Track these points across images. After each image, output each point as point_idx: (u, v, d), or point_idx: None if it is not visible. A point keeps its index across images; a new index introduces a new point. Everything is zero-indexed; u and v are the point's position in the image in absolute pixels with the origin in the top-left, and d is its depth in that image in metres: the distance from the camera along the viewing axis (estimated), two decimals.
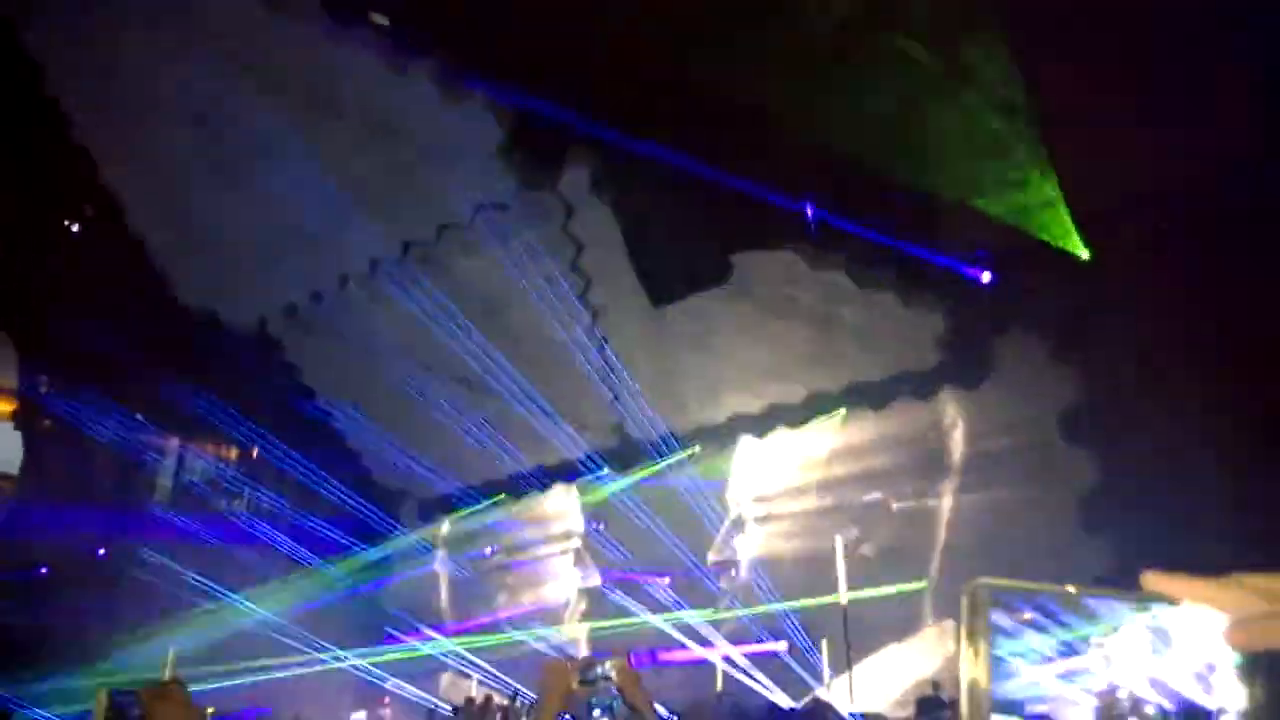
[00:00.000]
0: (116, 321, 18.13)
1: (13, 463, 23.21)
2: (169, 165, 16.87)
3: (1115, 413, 14.35)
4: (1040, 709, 1.25)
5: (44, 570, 21.27)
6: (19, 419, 22.44)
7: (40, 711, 17.80)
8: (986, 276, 14.23)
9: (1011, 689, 1.13)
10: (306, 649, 18.17)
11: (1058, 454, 14.83)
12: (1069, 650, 1.15)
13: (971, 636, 1.09)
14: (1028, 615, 1.12)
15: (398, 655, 18.76)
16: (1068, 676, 1.17)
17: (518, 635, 18.43)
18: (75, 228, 20.06)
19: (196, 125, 16.10)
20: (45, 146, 17.63)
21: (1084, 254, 14.34)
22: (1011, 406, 14.86)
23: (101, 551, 20.65)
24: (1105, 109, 12.92)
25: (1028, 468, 14.95)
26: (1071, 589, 1.11)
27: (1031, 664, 1.14)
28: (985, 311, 14.46)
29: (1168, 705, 1.13)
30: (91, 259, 18.91)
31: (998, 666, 1.08)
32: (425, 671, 19.18)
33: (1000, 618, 1.10)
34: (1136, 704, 1.15)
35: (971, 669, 1.08)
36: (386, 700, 18.77)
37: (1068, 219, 13.47)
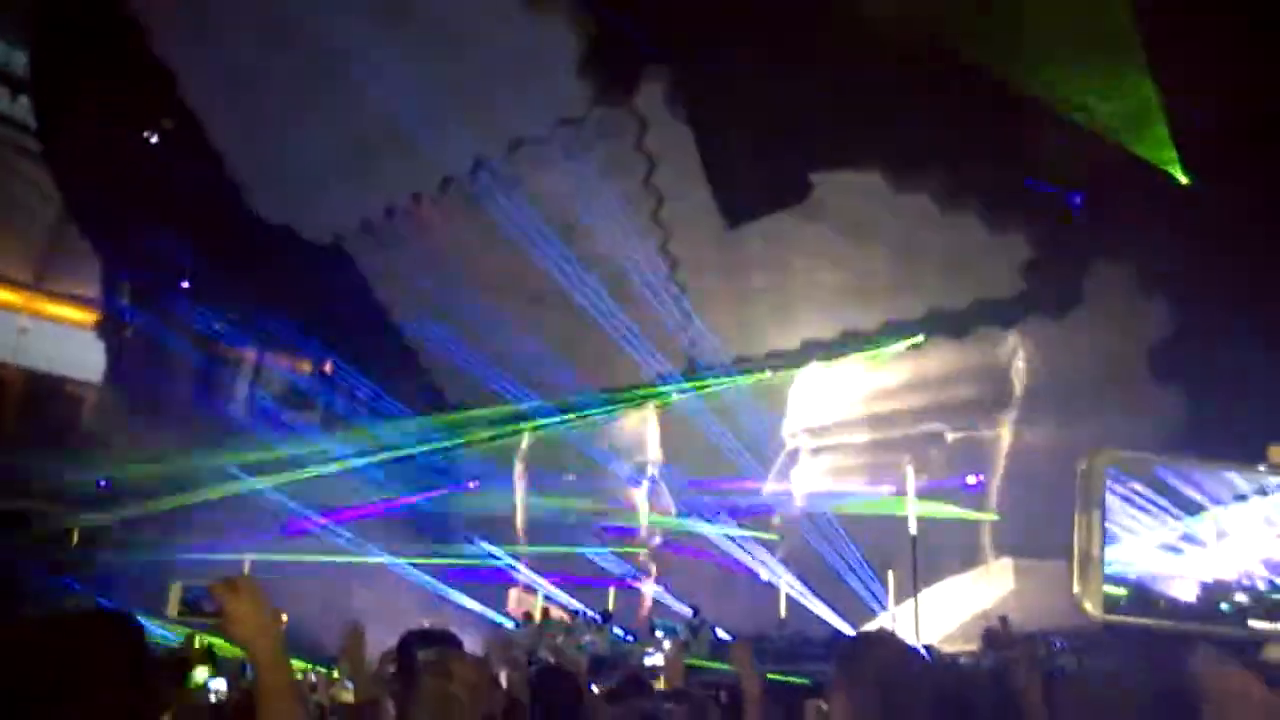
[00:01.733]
0: (195, 234, 18.47)
1: (96, 371, 24.06)
2: (244, 78, 16.90)
3: (1206, 348, 13.76)
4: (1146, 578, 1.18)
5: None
6: (101, 328, 23.15)
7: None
8: (1077, 201, 13.59)
9: (1119, 558, 1.11)
10: (373, 554, 18.66)
11: (1143, 389, 14.33)
12: (1180, 522, 1.09)
13: (1085, 506, 1.12)
14: (1139, 486, 1.13)
15: (466, 561, 19.13)
16: (1175, 549, 1.13)
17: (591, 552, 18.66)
18: (154, 139, 20.30)
19: (272, 38, 16.06)
20: (124, 60, 17.81)
21: (1182, 178, 13.61)
22: (1096, 338, 14.35)
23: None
24: (1212, 26, 12.15)
25: (1109, 402, 14.49)
26: (1193, 459, 1.12)
27: (1141, 535, 1.12)
28: (1074, 239, 13.86)
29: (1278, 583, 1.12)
30: (170, 171, 19.16)
31: (1107, 536, 1.09)
32: (492, 586, 19.58)
33: (1115, 487, 1.12)
34: (1246, 581, 1.12)
35: (1083, 538, 1.11)
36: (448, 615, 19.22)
37: (1167, 139, 12.73)
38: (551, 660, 16.26)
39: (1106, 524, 1.12)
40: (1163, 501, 1.13)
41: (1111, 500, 1.13)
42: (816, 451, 17.31)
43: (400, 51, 15.31)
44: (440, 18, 15.15)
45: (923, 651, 13.94)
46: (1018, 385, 15.25)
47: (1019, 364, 15.10)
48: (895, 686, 2.11)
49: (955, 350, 15.16)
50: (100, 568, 20.42)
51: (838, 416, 16.77)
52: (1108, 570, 1.11)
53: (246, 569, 19.25)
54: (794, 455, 17.58)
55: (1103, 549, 1.11)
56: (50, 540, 21.70)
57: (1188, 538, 1.14)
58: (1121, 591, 1.14)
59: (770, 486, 17.87)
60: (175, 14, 16.80)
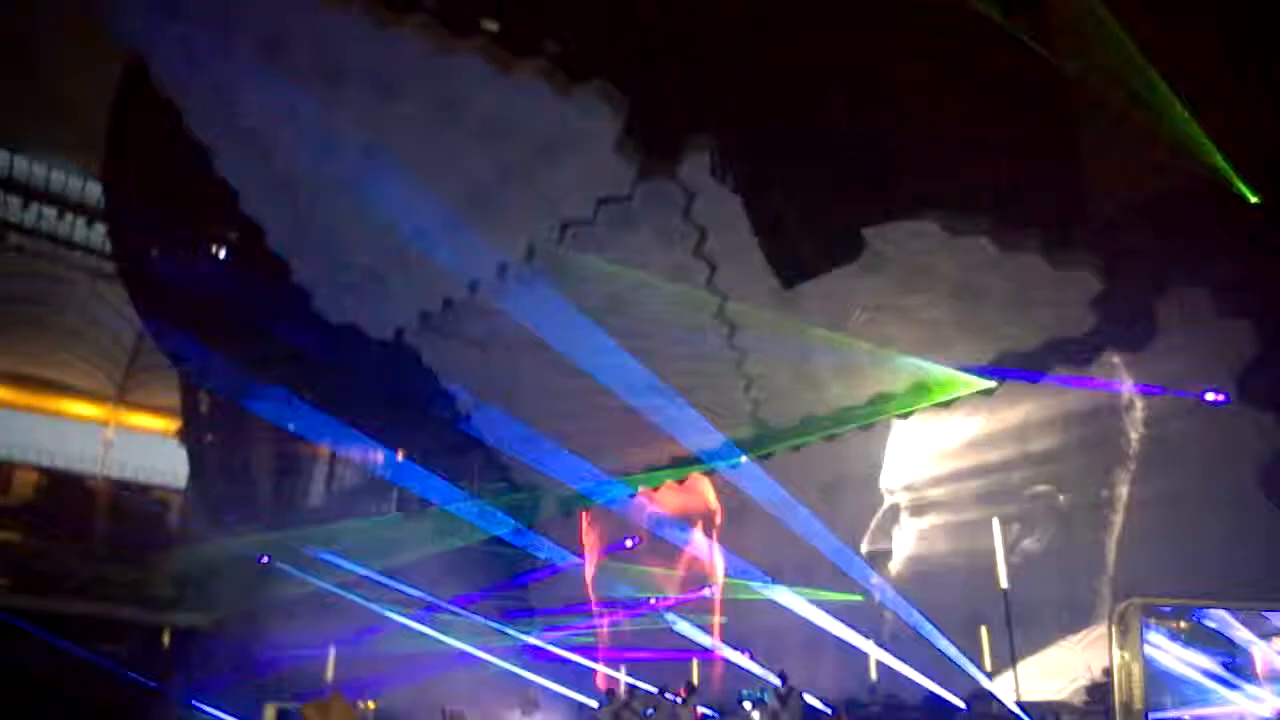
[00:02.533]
0: (265, 339, 19.07)
1: (180, 476, 24.86)
2: (301, 186, 17.52)
3: None
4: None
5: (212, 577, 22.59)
6: (183, 435, 23.92)
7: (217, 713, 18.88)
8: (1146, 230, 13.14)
9: (1171, 702, 1.00)
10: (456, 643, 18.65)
11: (1232, 418, 13.68)
12: (1230, 662, 0.99)
13: (1124, 656, 1.00)
14: (1184, 626, 1.02)
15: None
16: (1228, 687, 1.01)
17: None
18: (222, 254, 21.17)
19: (324, 148, 16.64)
20: (189, 182, 18.67)
21: (1252, 198, 13.11)
22: (1179, 368, 13.79)
23: (264, 559, 21.76)
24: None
25: (1198, 436, 13.86)
26: (1229, 601, 1.01)
27: (1191, 678, 1.01)
28: (1145, 268, 13.41)
29: None
30: (239, 282, 19.88)
31: (1155, 682, 0.99)
32: (572, 669, 19.38)
33: (1156, 634, 1.01)
34: None
35: (1124, 690, 1.00)
36: (531, 693, 19.06)
37: (1234, 158, 12.30)
38: None
39: (1151, 669, 1.06)
40: (1209, 641, 1.10)
41: (1153, 644, 1.08)
42: (919, 509, 16.83)
43: (448, 146, 15.73)
44: (483, 111, 15.54)
45: (1024, 714, 13.39)
46: (1134, 436, 14.62)
47: (1136, 414, 14.50)
48: None
49: (1035, 393, 14.67)
50: (195, 667, 20.81)
51: (938, 470, 16.29)
52: (1159, 712, 1.06)
53: (332, 659, 19.47)
54: (894, 511, 17.11)
55: (1146, 699, 1.06)
56: (142, 643, 22.23)
57: (1228, 679, 1.09)
58: None
59: (868, 546, 17.42)
60: (232, 130, 17.57)
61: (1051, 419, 14.89)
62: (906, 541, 17.04)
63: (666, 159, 15.14)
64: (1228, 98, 11.92)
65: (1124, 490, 14.99)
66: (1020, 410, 15.00)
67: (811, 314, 15.06)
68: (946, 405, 15.35)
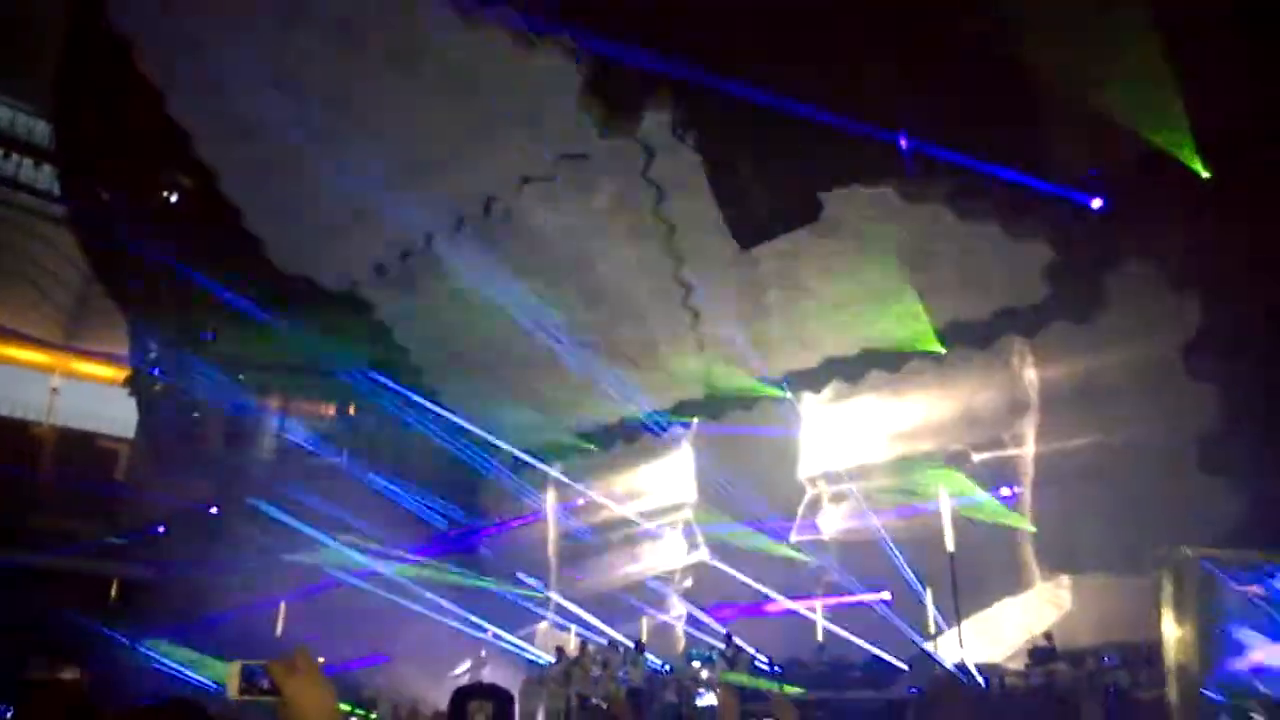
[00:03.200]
0: (217, 288, 18.69)
1: (127, 426, 24.45)
2: (256, 132, 17.10)
3: (1240, 345, 13.36)
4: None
5: (161, 529, 22.38)
6: (131, 384, 23.49)
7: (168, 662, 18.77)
8: (1098, 202, 13.26)
9: (1242, 667, 0.94)
10: (410, 600, 18.64)
11: (1176, 391, 13.94)
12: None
13: (1179, 613, 0.93)
14: (1256, 589, 0.96)
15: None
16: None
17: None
18: (174, 198, 20.63)
19: (282, 90, 16.24)
20: (141, 123, 18.13)
21: (1204, 173, 13.26)
22: (1126, 340, 14.00)
23: (213, 510, 21.54)
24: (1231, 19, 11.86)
25: (1142, 407, 14.11)
26: None
27: (1265, 641, 0.95)
28: (1097, 240, 13.54)
29: None
30: (189, 228, 19.44)
31: (1224, 642, 0.94)
32: (523, 621, 19.47)
33: (1224, 593, 0.96)
34: None
35: (1179, 651, 0.93)
36: (484, 653, 19.15)
37: (1187, 132, 12.43)
38: (596, 700, 16.17)
39: (1219, 629, 1.01)
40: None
41: (1221, 604, 1.02)
42: (837, 497, 17.15)
43: (407, 97, 15.42)
44: (444, 64, 15.24)
45: (973, 672, 13.67)
46: (1032, 395, 14.96)
47: (1029, 372, 14.82)
48: None
49: (976, 362, 14.87)
50: (143, 618, 20.63)
51: (859, 445, 16.55)
52: (1226, 673, 1.01)
53: (281, 613, 19.40)
54: (815, 502, 17.41)
55: (1201, 663, 1.01)
56: (90, 593, 22.00)
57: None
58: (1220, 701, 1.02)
59: (795, 536, 17.69)
60: (187, 73, 17.07)
61: (970, 383, 15.14)
62: (833, 524, 17.39)
63: (627, 117, 15.00)
64: (1180, 71, 11.98)
65: (1030, 452, 15.35)
66: (959, 371, 15.22)
67: (768, 275, 15.06)
68: (895, 369, 15.49)
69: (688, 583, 19.57)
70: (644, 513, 19.46)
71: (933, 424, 15.71)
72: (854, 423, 16.69)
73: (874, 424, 16.39)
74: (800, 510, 17.76)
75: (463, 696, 4.07)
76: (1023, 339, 14.91)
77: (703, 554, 18.91)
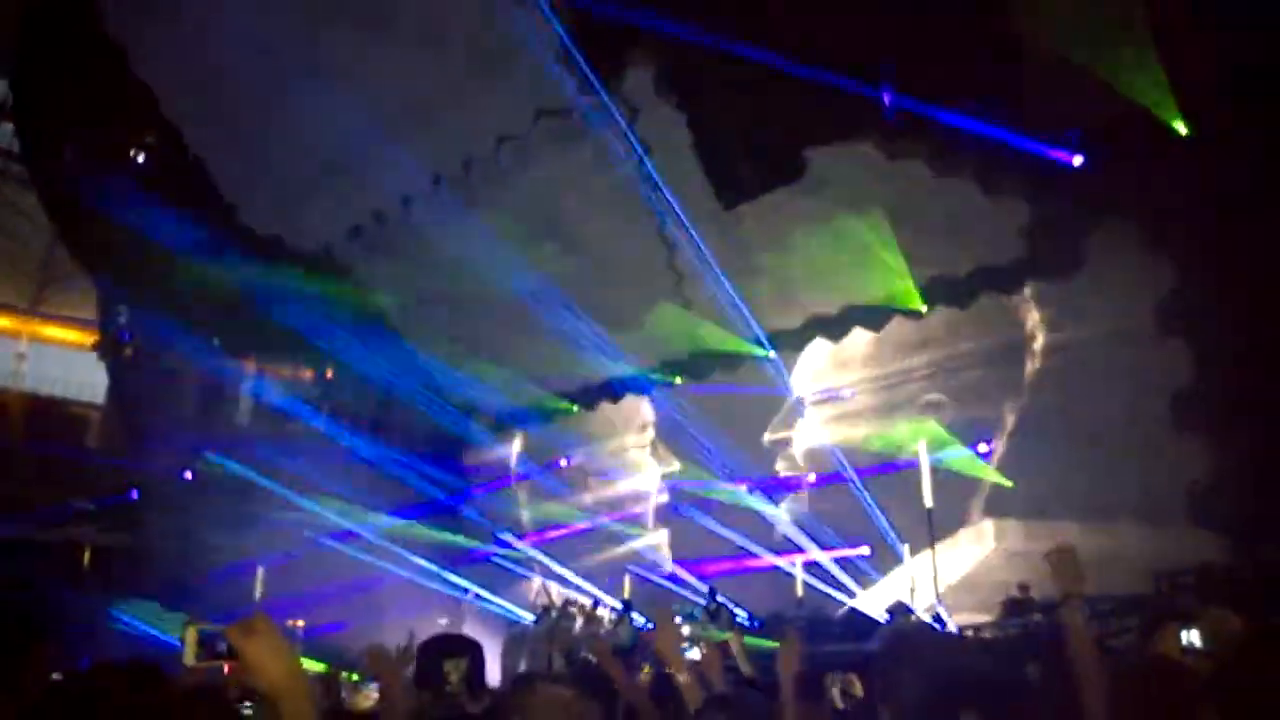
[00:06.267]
0: (187, 249, 18.34)
1: (98, 391, 24.06)
2: (226, 91, 16.75)
3: (1214, 305, 13.60)
4: None
5: (134, 494, 22.11)
6: (101, 349, 23.07)
7: (140, 625, 18.65)
8: (1077, 160, 13.36)
9: None
10: (388, 562, 18.62)
11: (1150, 351, 14.20)
12: None
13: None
14: None
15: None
16: None
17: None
18: (141, 158, 20.17)
19: (252, 51, 15.89)
20: (106, 80, 17.65)
21: (1182, 129, 13.38)
22: (1102, 298, 14.21)
23: (188, 474, 21.29)
24: None
25: (1117, 363, 14.37)
26: None
27: None
28: (1075, 198, 13.66)
29: None
30: (159, 188, 19.03)
31: None
32: (506, 582, 19.54)
33: None
34: None
35: None
36: (464, 605, 19.20)
37: (1166, 88, 12.52)
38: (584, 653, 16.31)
39: None
40: None
41: None
42: (819, 404, 17.35)
43: (382, 53, 15.15)
44: (420, 18, 14.98)
45: (950, 627, 13.94)
46: (1011, 350, 15.22)
47: (1009, 328, 15.04)
48: (941, 690, 2.01)
49: (959, 317, 15.04)
50: (117, 585, 20.44)
51: (844, 379, 16.76)
52: None
53: (260, 578, 19.32)
54: (799, 405, 17.54)
55: None
56: (62, 561, 21.74)
57: None
58: None
59: (770, 436, 17.85)
60: (153, 31, 16.63)
61: (965, 333, 15.38)
62: (806, 431, 17.64)
63: (609, 74, 14.86)
64: (1159, 30, 12.05)
65: (1011, 411, 15.63)
66: (939, 327, 15.45)
67: (751, 235, 15.07)
68: (878, 326, 15.63)
69: (667, 542, 19.74)
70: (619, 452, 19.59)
71: (913, 377, 15.91)
72: (835, 379, 16.88)
73: (855, 380, 16.59)
74: (779, 466, 17.96)
75: (435, 652, 3.83)
76: (1002, 295, 15.08)
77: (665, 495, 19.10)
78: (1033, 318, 15.21)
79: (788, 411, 17.83)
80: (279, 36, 15.53)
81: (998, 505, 16.51)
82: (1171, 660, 2.72)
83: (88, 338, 24.24)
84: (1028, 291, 14.70)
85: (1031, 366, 15.53)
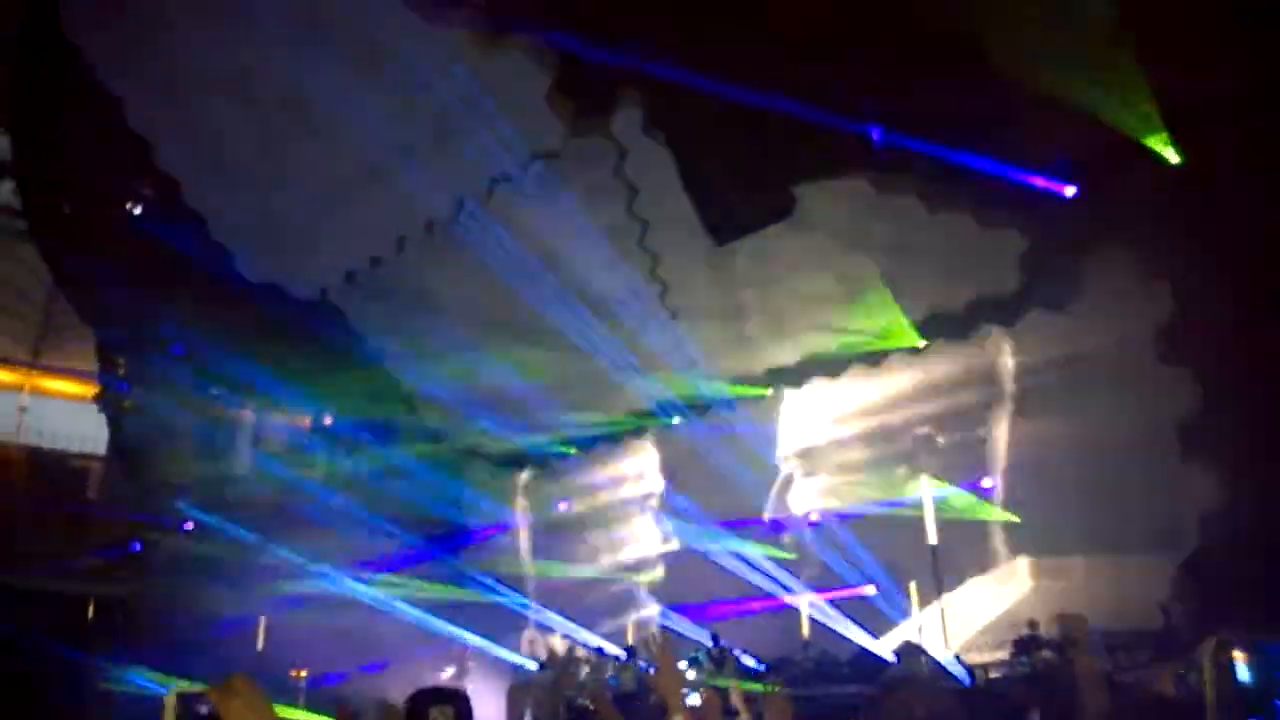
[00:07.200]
0: (185, 300, 18.36)
1: (99, 442, 24.02)
2: (218, 140, 16.83)
3: (1214, 332, 13.40)
4: None
5: (137, 546, 22.00)
6: (101, 401, 23.04)
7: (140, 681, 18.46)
8: (1070, 190, 13.24)
9: None
10: (390, 609, 18.42)
11: (1151, 378, 13.98)
12: None
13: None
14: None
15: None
16: None
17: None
18: (137, 210, 20.23)
19: (244, 100, 15.98)
20: (102, 133, 17.75)
21: (1174, 158, 13.27)
22: (1100, 327, 14.03)
23: (188, 525, 21.17)
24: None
25: (1118, 394, 14.16)
26: None
27: None
28: (1069, 228, 13.53)
29: None
30: (155, 239, 19.07)
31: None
32: (506, 629, 19.30)
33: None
34: None
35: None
36: (468, 658, 18.96)
37: (1156, 118, 12.43)
38: (582, 700, 16.05)
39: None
40: None
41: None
42: (810, 474, 17.16)
43: (370, 100, 15.19)
44: (407, 65, 15.02)
45: (957, 665, 13.63)
46: (1007, 382, 15.06)
47: (1007, 360, 14.89)
48: None
49: (952, 353, 14.88)
50: (120, 639, 20.27)
51: (831, 434, 16.59)
52: None
53: (262, 628, 19.13)
54: (788, 480, 17.39)
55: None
56: (65, 615, 21.59)
57: None
58: None
59: (769, 514, 17.67)
60: (147, 81, 16.73)
61: (945, 374, 15.25)
62: (803, 505, 17.44)
63: (598, 115, 14.84)
64: (1150, 57, 11.97)
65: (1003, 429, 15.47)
66: (919, 367, 15.29)
67: (744, 273, 14.97)
68: (876, 363, 15.45)
69: (668, 583, 19.44)
70: (617, 501, 19.39)
71: (909, 417, 15.72)
72: (833, 418, 16.70)
73: (852, 419, 16.41)
74: (778, 506, 17.76)
75: (422, 702, 3.97)
76: (999, 328, 14.91)
77: (674, 543, 18.85)
78: (1028, 349, 15.03)
79: (780, 488, 17.68)
80: (266, 82, 15.63)
81: (1010, 538, 16.27)
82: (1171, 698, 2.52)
83: (88, 390, 24.25)
84: (1024, 323, 14.54)
85: (1024, 398, 15.33)
